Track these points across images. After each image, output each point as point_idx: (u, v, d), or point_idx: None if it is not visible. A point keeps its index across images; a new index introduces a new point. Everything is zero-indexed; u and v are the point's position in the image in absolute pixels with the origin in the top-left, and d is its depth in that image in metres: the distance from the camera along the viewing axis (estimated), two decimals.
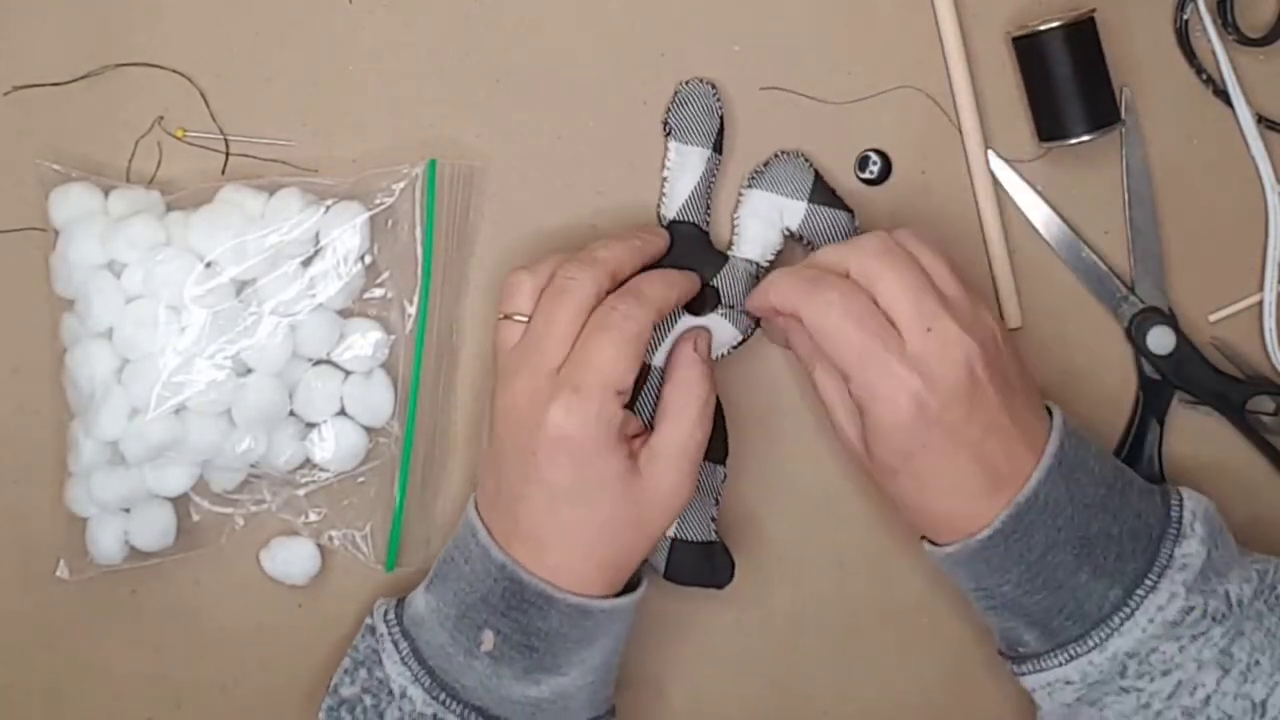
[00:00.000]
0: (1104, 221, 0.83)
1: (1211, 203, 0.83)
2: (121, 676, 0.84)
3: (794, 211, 0.80)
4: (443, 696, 0.75)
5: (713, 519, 0.80)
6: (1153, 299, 0.82)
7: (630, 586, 0.77)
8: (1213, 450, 0.83)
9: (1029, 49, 0.81)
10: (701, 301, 0.80)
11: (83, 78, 0.83)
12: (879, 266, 0.73)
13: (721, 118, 0.81)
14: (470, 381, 0.83)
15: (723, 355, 0.80)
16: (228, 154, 0.83)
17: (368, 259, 0.81)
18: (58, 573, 0.82)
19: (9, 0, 0.83)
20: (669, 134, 0.81)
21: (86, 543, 0.81)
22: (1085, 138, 0.80)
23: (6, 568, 0.84)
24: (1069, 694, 0.74)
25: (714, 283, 0.80)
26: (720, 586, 0.80)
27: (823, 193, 0.80)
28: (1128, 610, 0.73)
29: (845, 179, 0.83)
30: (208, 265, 0.79)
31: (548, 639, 0.74)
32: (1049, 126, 0.81)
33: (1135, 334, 0.82)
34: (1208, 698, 0.72)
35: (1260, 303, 0.83)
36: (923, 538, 0.77)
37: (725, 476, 0.81)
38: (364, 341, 0.81)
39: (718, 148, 0.81)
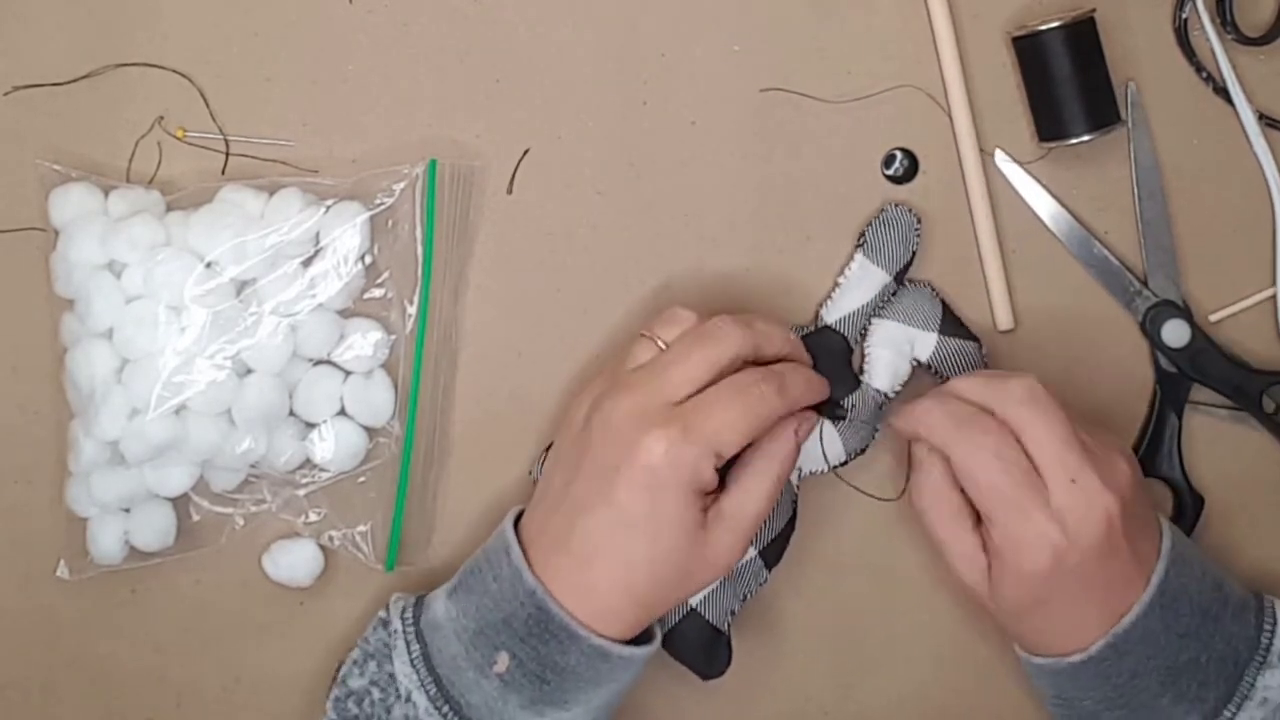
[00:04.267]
0: (1106, 222, 0.83)
1: (1214, 202, 0.83)
2: (121, 676, 0.84)
3: (925, 343, 0.80)
4: (445, 709, 0.74)
5: (732, 613, 0.80)
6: (1166, 293, 0.82)
7: (646, 637, 0.76)
8: (1231, 442, 0.83)
9: (1029, 49, 0.81)
10: (826, 412, 0.80)
11: (83, 78, 0.83)
12: (1029, 413, 0.73)
13: (914, 252, 0.81)
14: (470, 381, 0.83)
15: (820, 471, 0.81)
16: (228, 154, 0.83)
17: (368, 259, 0.81)
18: (58, 573, 0.82)
19: (9, 0, 0.83)
20: (861, 246, 0.81)
21: (86, 543, 0.81)
22: (1085, 138, 0.80)
23: (6, 568, 0.84)
24: None
25: (843, 402, 0.80)
26: (707, 677, 0.80)
27: (951, 324, 0.81)
28: None
29: (847, 179, 0.83)
30: (208, 265, 0.79)
31: (562, 674, 0.73)
32: (1049, 127, 0.81)
33: (1150, 328, 0.82)
34: None
35: (1274, 298, 0.83)
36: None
37: (766, 580, 0.80)
38: (364, 341, 0.81)
39: (899, 279, 0.81)
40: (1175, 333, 0.82)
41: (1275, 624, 0.75)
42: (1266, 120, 0.82)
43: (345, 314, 0.81)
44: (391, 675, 0.75)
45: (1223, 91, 0.82)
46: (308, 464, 0.82)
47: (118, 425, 0.78)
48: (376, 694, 0.76)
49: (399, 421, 0.82)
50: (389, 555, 0.83)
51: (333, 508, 0.82)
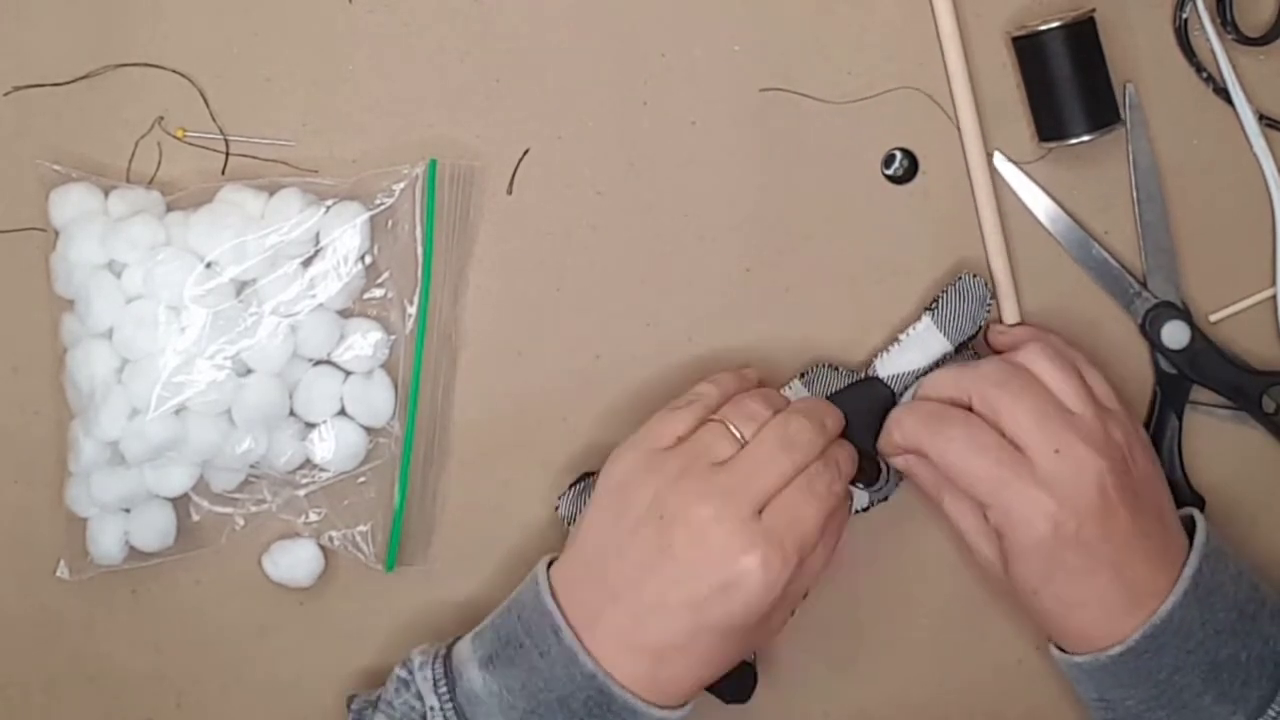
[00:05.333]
0: (1105, 222, 0.83)
1: (1214, 202, 0.83)
2: (121, 676, 0.84)
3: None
4: None
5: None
6: (1166, 294, 0.82)
7: None
8: (1231, 442, 0.83)
9: (1029, 49, 0.81)
10: (870, 471, 0.80)
11: (83, 78, 0.83)
12: (1000, 395, 0.74)
13: (981, 327, 0.81)
14: (470, 381, 0.83)
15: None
16: (228, 154, 0.83)
17: (368, 259, 0.81)
18: (58, 573, 0.82)
19: (9, 0, 0.83)
20: (931, 310, 0.81)
21: (86, 543, 0.81)
22: (1085, 138, 0.80)
23: (6, 568, 0.84)
24: None
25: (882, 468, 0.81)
26: (730, 701, 0.79)
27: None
28: None
29: (847, 179, 0.83)
30: (208, 265, 0.79)
31: None
32: (1049, 127, 0.81)
33: (1150, 329, 0.82)
34: None
35: (1274, 298, 0.83)
36: (1052, 643, 0.78)
37: (793, 611, 0.80)
38: (364, 341, 0.81)
39: (959, 349, 0.81)
40: (1175, 334, 0.82)
41: None
42: (1266, 120, 0.82)
43: (345, 314, 0.81)
44: None
45: (1223, 91, 0.82)
46: (308, 464, 0.82)
47: (118, 425, 0.78)
48: None
49: (399, 421, 0.82)
50: (389, 555, 0.83)
51: (333, 508, 0.82)
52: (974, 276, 0.81)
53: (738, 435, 0.74)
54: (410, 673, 0.75)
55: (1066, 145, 0.81)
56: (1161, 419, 0.83)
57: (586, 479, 0.82)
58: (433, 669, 0.75)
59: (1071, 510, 0.72)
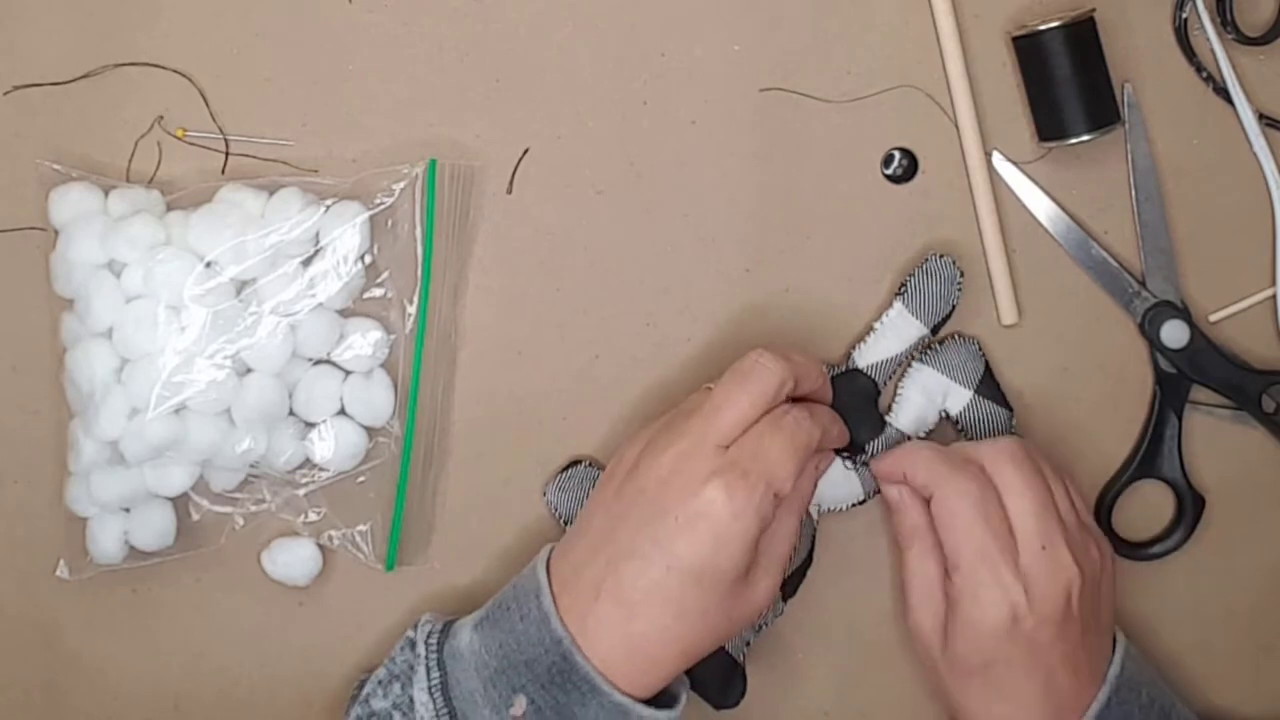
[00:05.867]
0: (1105, 222, 0.83)
1: (1214, 202, 0.83)
2: (121, 676, 0.84)
3: (958, 398, 0.81)
4: None
5: (747, 643, 0.80)
6: (1165, 293, 0.82)
7: (669, 700, 0.75)
8: (1231, 442, 0.83)
9: (1029, 49, 0.81)
10: (850, 453, 0.80)
11: (83, 78, 0.83)
12: (1014, 474, 0.74)
13: (954, 306, 0.81)
14: (470, 381, 0.83)
15: (840, 509, 0.81)
16: (228, 154, 0.83)
17: (368, 259, 0.81)
18: (58, 573, 0.82)
19: (9, 0, 0.83)
20: (901, 294, 0.81)
21: (86, 543, 0.81)
22: (1085, 137, 0.80)
23: (6, 568, 0.84)
24: None
25: (866, 446, 0.80)
26: (720, 706, 0.79)
27: (990, 386, 0.81)
28: None
29: (847, 178, 0.83)
30: (208, 265, 0.79)
31: None
32: (1048, 126, 0.81)
33: (1149, 329, 0.82)
34: None
35: (1274, 297, 0.83)
36: None
37: (782, 612, 0.80)
38: (364, 341, 0.81)
39: (936, 330, 0.81)
40: (1174, 333, 0.82)
41: None
42: (1266, 120, 0.82)
43: (345, 314, 0.81)
44: (412, 700, 0.74)
45: (1223, 92, 0.82)
46: (307, 464, 0.82)
47: (118, 425, 0.78)
48: (398, 717, 0.74)
49: (399, 421, 0.82)
50: (389, 555, 0.83)
51: (332, 507, 0.82)
52: (940, 256, 0.81)
53: (708, 387, 0.75)
54: (415, 630, 0.77)
55: (1066, 145, 0.81)
56: (1161, 418, 0.83)
57: (574, 467, 0.82)
58: (434, 626, 0.76)
59: (1036, 607, 0.73)
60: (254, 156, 0.83)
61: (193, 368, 0.78)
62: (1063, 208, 0.82)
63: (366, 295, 0.82)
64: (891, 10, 0.83)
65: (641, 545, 0.71)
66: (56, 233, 0.81)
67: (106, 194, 0.81)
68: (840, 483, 0.81)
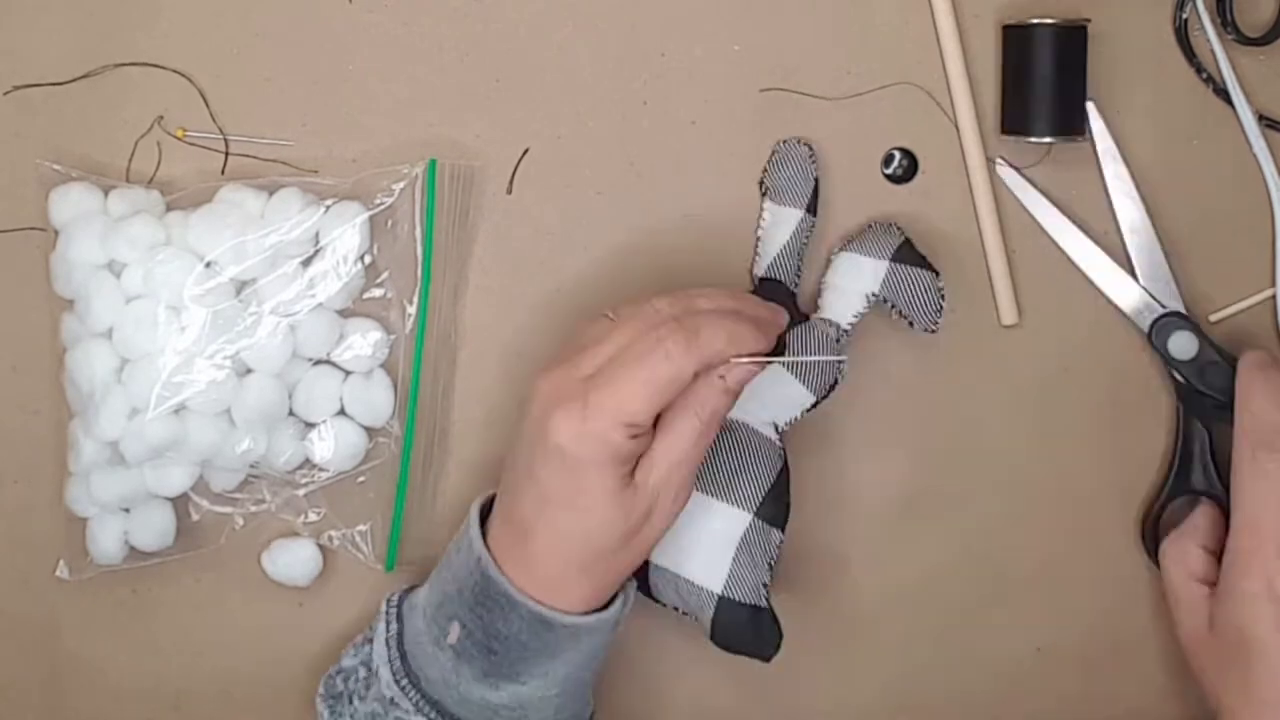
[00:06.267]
0: (1105, 222, 0.83)
1: (1214, 202, 0.83)
2: (121, 676, 0.84)
3: (877, 271, 0.79)
4: (404, 682, 0.75)
5: (764, 584, 0.78)
6: (1172, 303, 0.82)
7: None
8: None
9: (1016, 40, 0.81)
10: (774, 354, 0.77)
11: (83, 78, 0.83)
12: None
13: (816, 180, 0.81)
14: (470, 381, 0.83)
15: (794, 419, 0.80)
16: (228, 154, 0.83)
17: (368, 259, 0.81)
18: (58, 573, 0.82)
19: (9, 0, 0.83)
20: (765, 194, 0.81)
21: (86, 543, 0.81)
22: (1046, 139, 0.80)
23: (6, 568, 0.84)
24: None
25: (788, 338, 0.78)
26: (765, 658, 0.77)
27: (907, 252, 0.79)
28: None
29: (847, 178, 0.83)
30: (208, 265, 0.79)
31: (507, 643, 0.73)
32: (1014, 119, 0.81)
33: (1157, 340, 0.82)
34: None
35: (1273, 298, 0.83)
36: None
37: (782, 542, 0.79)
38: (364, 341, 0.81)
39: (811, 209, 0.81)
40: (1182, 345, 0.81)
41: None
42: (1266, 121, 0.82)
43: (345, 314, 0.81)
44: (370, 654, 0.76)
45: (1223, 92, 0.82)
46: (307, 464, 0.82)
47: (118, 425, 0.78)
48: (362, 672, 0.77)
49: (399, 421, 0.82)
50: (389, 555, 0.83)
51: (332, 508, 0.82)
52: (784, 142, 0.82)
53: (609, 316, 0.74)
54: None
55: (1027, 142, 0.81)
56: (1188, 430, 0.82)
57: None
58: (400, 589, 0.78)
59: None
60: (254, 156, 0.83)
61: (193, 368, 0.78)
62: (1070, 217, 0.82)
63: (366, 295, 0.82)
64: (891, 9, 0.82)
65: (520, 475, 0.73)
66: (56, 233, 0.81)
67: (106, 194, 0.81)
68: (781, 388, 0.78)
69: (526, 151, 0.83)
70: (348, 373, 0.81)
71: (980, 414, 0.83)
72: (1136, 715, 0.84)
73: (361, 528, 0.82)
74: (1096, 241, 0.82)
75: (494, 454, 0.83)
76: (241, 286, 0.79)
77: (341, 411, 0.81)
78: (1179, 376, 0.82)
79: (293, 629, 0.84)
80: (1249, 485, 0.76)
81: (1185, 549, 0.80)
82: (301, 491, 0.82)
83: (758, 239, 0.82)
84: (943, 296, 0.79)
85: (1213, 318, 0.83)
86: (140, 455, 0.79)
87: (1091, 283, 0.83)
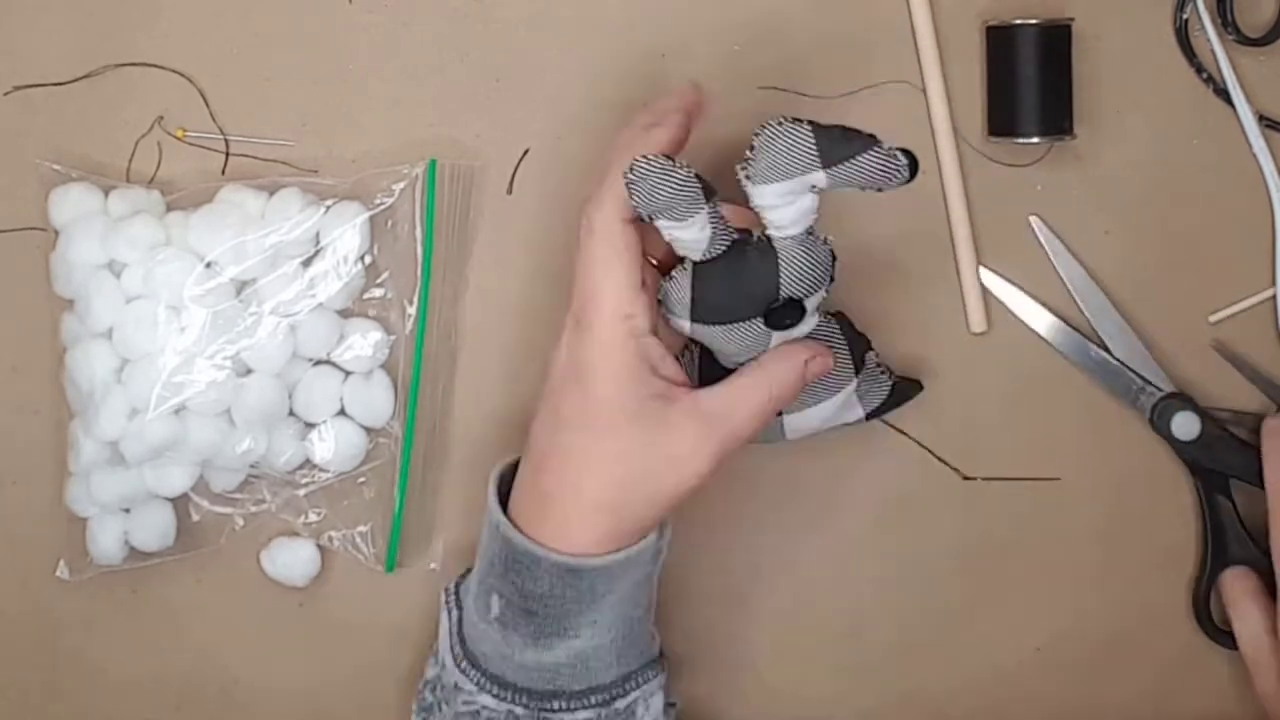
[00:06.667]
0: (1105, 221, 0.83)
1: (1214, 202, 0.83)
2: (121, 676, 0.84)
3: (815, 181, 0.69)
4: (464, 665, 0.74)
5: (880, 367, 0.78)
6: (1167, 385, 0.82)
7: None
8: None
9: (999, 41, 0.81)
10: (791, 317, 0.72)
11: (83, 78, 0.83)
12: None
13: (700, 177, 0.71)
14: (470, 381, 0.83)
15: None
16: (228, 154, 0.83)
17: (368, 259, 0.81)
18: (58, 573, 0.82)
19: (9, 0, 0.83)
20: (651, 219, 0.70)
21: (86, 543, 0.81)
22: (1034, 140, 0.80)
23: (6, 568, 0.84)
24: None
25: (789, 290, 0.71)
26: (906, 400, 0.79)
27: (834, 148, 0.68)
28: None
29: None
30: (208, 265, 0.79)
31: (543, 602, 0.71)
32: (1000, 121, 0.81)
33: (1159, 423, 0.82)
34: None
35: (1273, 298, 0.82)
36: None
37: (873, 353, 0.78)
38: (364, 341, 0.81)
39: (708, 196, 0.70)
40: (1185, 426, 0.81)
41: None
42: (1266, 121, 0.82)
43: (345, 314, 0.81)
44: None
45: (1223, 92, 0.82)
46: (307, 464, 0.82)
47: (118, 425, 0.78)
48: (436, 669, 0.76)
49: (399, 422, 0.82)
50: (389, 555, 0.83)
51: (332, 508, 0.82)
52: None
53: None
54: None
55: (1015, 143, 0.81)
56: (1212, 505, 0.82)
57: None
58: (458, 576, 0.78)
59: None
60: (254, 156, 0.83)
61: (193, 368, 0.78)
62: (1058, 316, 0.82)
63: (366, 296, 0.82)
64: (892, 9, 0.82)
65: (540, 416, 0.73)
66: (56, 233, 0.81)
67: (106, 194, 0.81)
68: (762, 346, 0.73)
69: (527, 152, 0.83)
70: (348, 373, 0.81)
71: (975, 416, 0.84)
72: (1136, 715, 0.84)
73: (361, 528, 0.82)
74: (1089, 338, 0.82)
75: (494, 454, 0.83)
76: (241, 287, 0.79)
77: (341, 412, 0.81)
78: (1187, 457, 0.82)
79: (293, 629, 0.84)
80: None
81: (1246, 611, 0.80)
82: (301, 492, 0.82)
83: (669, 242, 0.72)
84: (896, 154, 0.68)
85: (1213, 318, 0.83)
86: (140, 455, 0.79)
87: (1094, 381, 0.83)
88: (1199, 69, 0.82)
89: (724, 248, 0.71)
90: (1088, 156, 0.83)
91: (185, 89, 0.83)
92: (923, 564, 0.84)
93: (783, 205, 0.70)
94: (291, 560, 0.82)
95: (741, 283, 0.71)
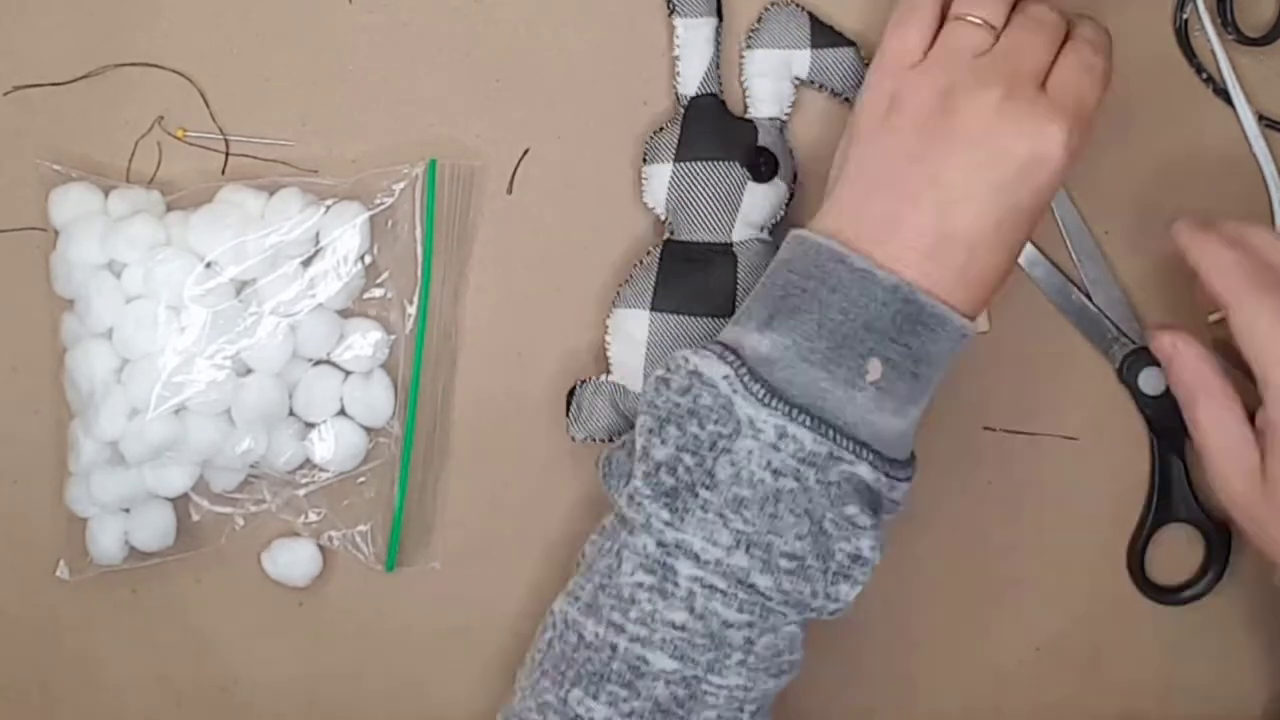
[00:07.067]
0: (1105, 222, 0.83)
1: (1214, 202, 0.83)
2: (121, 676, 0.84)
3: (800, 61, 0.80)
4: (831, 433, 0.69)
5: None
6: (1142, 338, 0.82)
7: None
8: None
9: None
10: (768, 167, 0.79)
11: (83, 78, 0.83)
12: None
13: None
14: (470, 381, 0.83)
15: (777, 223, 0.81)
16: (228, 154, 0.83)
17: (368, 259, 0.81)
18: (58, 573, 0.82)
19: (9, 0, 0.83)
20: (672, 11, 0.81)
21: (86, 543, 0.81)
22: None
23: (6, 568, 0.84)
24: None
25: (766, 145, 0.80)
26: None
27: (822, 35, 0.80)
28: None
29: None
30: (208, 265, 0.79)
31: (930, 364, 0.70)
32: None
33: (1127, 375, 0.82)
34: None
35: None
36: None
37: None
38: (364, 341, 0.81)
39: (719, 13, 0.81)
40: (1151, 380, 0.82)
41: None
42: (1266, 121, 0.82)
43: (345, 314, 0.81)
44: (699, 437, 0.69)
45: (1223, 92, 0.82)
46: (307, 464, 0.82)
47: (118, 425, 0.78)
48: (688, 459, 0.70)
49: (399, 421, 0.82)
50: (389, 555, 0.83)
51: (332, 508, 0.82)
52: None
53: (984, 23, 0.72)
54: (673, 366, 0.71)
55: None
56: (1164, 463, 0.82)
57: (578, 392, 0.81)
58: (709, 348, 0.71)
59: None
60: (254, 157, 0.83)
61: (193, 368, 0.78)
62: (1042, 253, 0.82)
63: (366, 295, 0.82)
64: (890, 8, 0.82)
65: (977, 188, 0.70)
66: (56, 233, 0.81)
67: (106, 194, 0.81)
68: (766, 204, 0.80)
69: (527, 152, 0.83)
70: (348, 373, 0.81)
71: (967, 415, 0.84)
72: (1136, 715, 0.84)
73: (361, 528, 0.83)
74: (1072, 281, 0.82)
75: (494, 454, 0.83)
76: (241, 287, 0.79)
77: (341, 412, 0.81)
78: (1149, 412, 0.82)
79: (293, 629, 0.84)
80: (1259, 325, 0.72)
81: (1216, 413, 0.75)
82: (302, 491, 0.82)
83: (676, 59, 0.81)
84: (867, 64, 0.76)
85: (1212, 318, 0.83)
86: (140, 455, 0.79)
87: (1071, 323, 0.83)
88: (1199, 69, 0.82)
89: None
90: (1087, 156, 0.82)
91: (185, 89, 0.83)
92: (923, 561, 0.84)
93: (766, 78, 0.80)
94: (292, 560, 0.83)
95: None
